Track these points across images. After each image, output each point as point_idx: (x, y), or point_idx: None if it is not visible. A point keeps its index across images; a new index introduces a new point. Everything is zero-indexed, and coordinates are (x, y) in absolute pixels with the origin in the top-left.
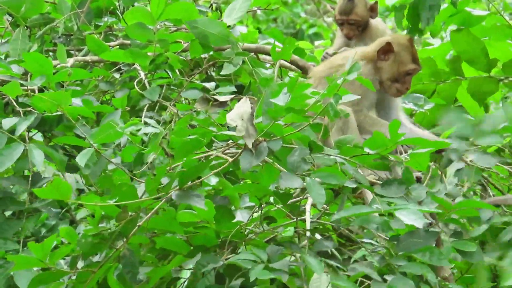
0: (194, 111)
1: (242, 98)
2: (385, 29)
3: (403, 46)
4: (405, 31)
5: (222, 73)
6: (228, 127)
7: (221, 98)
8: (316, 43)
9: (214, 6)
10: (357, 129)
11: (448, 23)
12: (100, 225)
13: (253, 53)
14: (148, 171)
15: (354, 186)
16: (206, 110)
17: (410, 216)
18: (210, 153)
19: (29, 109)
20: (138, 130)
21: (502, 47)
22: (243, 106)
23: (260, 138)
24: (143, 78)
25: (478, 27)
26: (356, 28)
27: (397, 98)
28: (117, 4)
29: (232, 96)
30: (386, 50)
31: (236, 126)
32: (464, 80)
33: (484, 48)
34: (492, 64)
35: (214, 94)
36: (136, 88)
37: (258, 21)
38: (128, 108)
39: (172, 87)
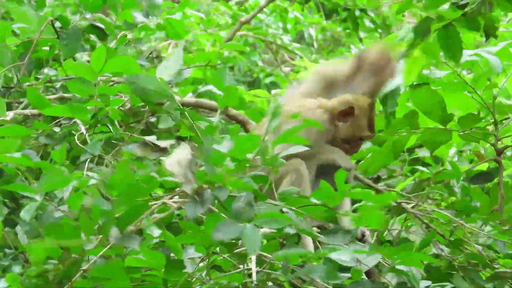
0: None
1: (182, 144)
2: None
3: (363, 110)
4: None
5: (159, 126)
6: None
7: (162, 144)
8: (273, 92)
9: (154, 53)
10: (309, 184)
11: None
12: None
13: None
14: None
15: (295, 232)
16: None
17: (341, 256)
18: (156, 202)
19: None
20: None
21: (459, 99)
22: (182, 152)
23: (204, 185)
24: (84, 132)
25: (436, 82)
26: None
27: None
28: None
29: (173, 141)
30: (347, 113)
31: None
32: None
33: (442, 102)
34: (448, 119)
35: None
36: (77, 142)
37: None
38: (68, 162)
39: (113, 141)
